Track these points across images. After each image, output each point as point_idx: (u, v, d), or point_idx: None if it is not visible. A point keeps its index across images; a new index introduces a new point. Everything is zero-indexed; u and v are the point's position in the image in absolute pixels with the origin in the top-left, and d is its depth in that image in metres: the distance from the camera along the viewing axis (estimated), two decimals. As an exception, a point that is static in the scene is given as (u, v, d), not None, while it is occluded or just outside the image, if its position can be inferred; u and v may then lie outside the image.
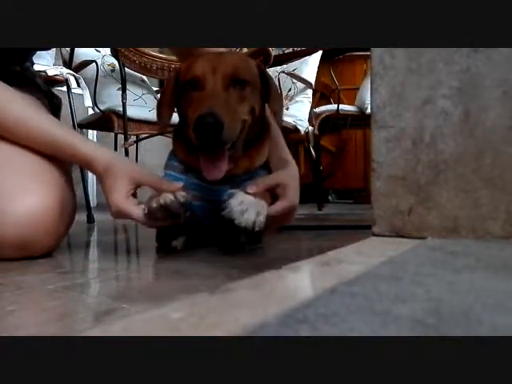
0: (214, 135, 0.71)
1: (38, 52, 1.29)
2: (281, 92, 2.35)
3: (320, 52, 2.65)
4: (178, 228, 0.88)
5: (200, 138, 0.72)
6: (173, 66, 1.92)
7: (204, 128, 0.70)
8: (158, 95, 2.29)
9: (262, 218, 0.73)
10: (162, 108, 0.86)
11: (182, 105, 0.82)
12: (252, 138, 0.85)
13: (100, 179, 0.80)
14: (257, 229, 0.71)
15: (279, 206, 0.79)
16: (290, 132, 2.47)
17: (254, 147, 0.87)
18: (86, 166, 0.82)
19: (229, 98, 0.76)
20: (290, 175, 0.86)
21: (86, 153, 0.80)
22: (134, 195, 0.80)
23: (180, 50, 1.06)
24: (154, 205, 0.73)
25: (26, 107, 0.81)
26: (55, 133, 0.80)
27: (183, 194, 0.76)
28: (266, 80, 0.85)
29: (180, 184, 0.77)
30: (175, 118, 0.87)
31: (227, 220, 0.72)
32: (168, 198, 0.74)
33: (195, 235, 0.95)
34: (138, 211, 0.76)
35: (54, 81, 1.74)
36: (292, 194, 0.81)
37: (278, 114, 0.87)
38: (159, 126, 0.91)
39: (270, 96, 0.85)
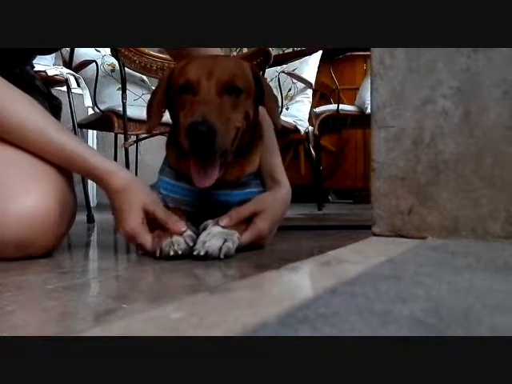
0: (206, 143, 0.70)
1: (38, 52, 1.28)
2: (281, 92, 2.35)
3: (320, 52, 2.65)
4: None
5: (192, 146, 0.72)
6: (173, 66, 1.92)
7: (197, 136, 0.70)
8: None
9: (230, 245, 0.74)
10: (152, 108, 0.85)
11: (174, 107, 0.81)
12: (244, 146, 0.85)
13: (112, 193, 0.79)
14: (222, 256, 0.72)
15: (246, 236, 0.80)
16: (290, 132, 2.47)
17: (246, 155, 0.86)
18: (99, 177, 0.79)
19: (223, 105, 0.75)
20: (271, 199, 0.85)
21: (107, 166, 0.79)
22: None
23: (176, 53, 1.06)
24: (171, 253, 0.72)
25: (39, 115, 0.79)
26: (69, 144, 0.78)
27: (190, 234, 0.76)
28: (259, 82, 0.84)
29: (184, 227, 0.76)
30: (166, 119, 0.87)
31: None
32: (182, 245, 0.74)
33: None
34: (150, 241, 0.77)
35: (54, 81, 1.74)
36: (262, 222, 0.81)
37: (273, 115, 0.87)
38: (148, 127, 0.90)
39: (265, 99, 0.84)
